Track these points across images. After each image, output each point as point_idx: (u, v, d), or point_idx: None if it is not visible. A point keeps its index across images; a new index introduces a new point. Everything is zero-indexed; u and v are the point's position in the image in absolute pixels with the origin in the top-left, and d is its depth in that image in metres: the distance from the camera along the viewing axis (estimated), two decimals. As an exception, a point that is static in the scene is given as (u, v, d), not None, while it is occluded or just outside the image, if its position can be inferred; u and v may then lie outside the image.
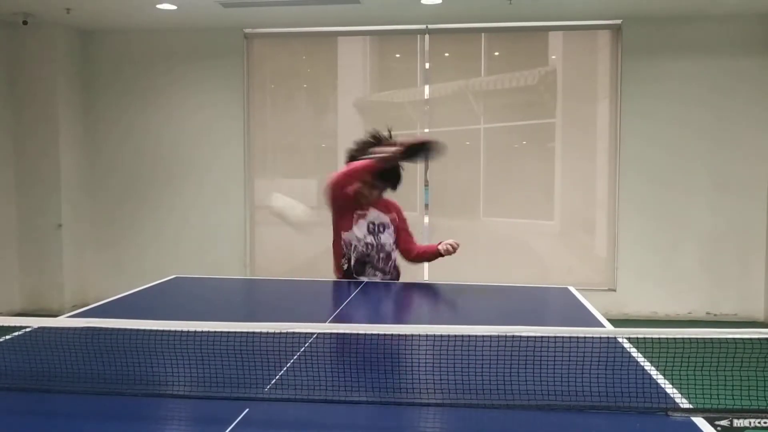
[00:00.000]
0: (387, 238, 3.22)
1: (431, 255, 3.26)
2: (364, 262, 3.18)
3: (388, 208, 3.28)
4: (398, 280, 3.32)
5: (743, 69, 5.98)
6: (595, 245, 6.53)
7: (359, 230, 3.16)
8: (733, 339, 1.60)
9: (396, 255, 3.29)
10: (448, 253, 3.16)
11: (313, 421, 1.48)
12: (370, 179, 3.09)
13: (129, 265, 6.67)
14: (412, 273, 6.43)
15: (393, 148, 2.95)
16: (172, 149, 6.63)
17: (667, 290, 6.16)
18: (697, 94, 6.04)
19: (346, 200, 3.15)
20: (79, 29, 6.49)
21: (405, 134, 3.19)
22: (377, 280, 3.20)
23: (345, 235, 3.19)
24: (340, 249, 3.23)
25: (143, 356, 1.78)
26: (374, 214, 3.20)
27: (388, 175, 3.13)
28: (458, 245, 3.17)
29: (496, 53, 6.57)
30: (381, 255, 3.20)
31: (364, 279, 3.19)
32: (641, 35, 6.06)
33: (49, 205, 6.31)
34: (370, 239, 3.17)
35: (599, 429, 1.44)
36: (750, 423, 1.44)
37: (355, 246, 3.16)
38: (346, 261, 3.19)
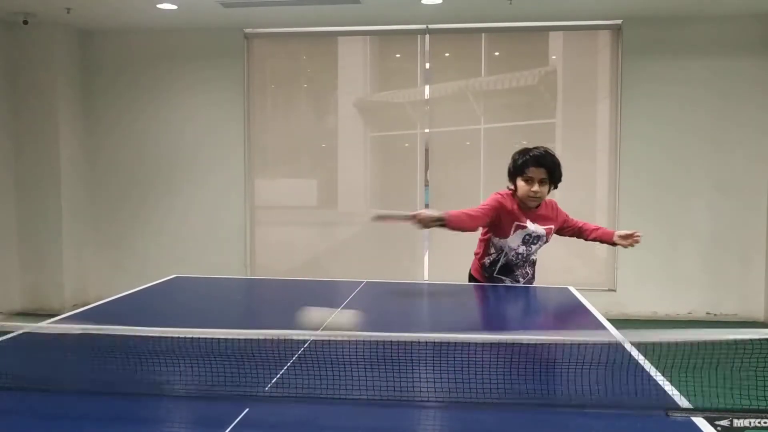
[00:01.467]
0: (537, 249, 3.24)
1: (607, 242, 3.32)
2: (510, 268, 3.22)
3: (548, 218, 3.22)
4: (532, 283, 3.33)
5: (744, 69, 5.98)
6: (595, 245, 6.51)
7: (514, 240, 3.15)
8: (734, 339, 1.60)
9: (537, 259, 3.32)
10: (630, 245, 3.22)
11: (313, 421, 1.48)
12: (545, 177, 3.09)
13: (129, 264, 6.67)
14: (412, 273, 6.49)
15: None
16: (172, 149, 6.63)
17: (667, 290, 6.16)
18: (697, 94, 6.04)
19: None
20: (80, 29, 6.49)
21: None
22: (516, 284, 3.24)
23: (497, 241, 3.19)
24: (487, 249, 3.24)
25: (143, 356, 1.78)
26: (533, 228, 3.16)
27: (557, 174, 3.14)
28: (640, 237, 3.21)
29: (497, 53, 6.57)
30: (527, 264, 3.25)
31: (504, 279, 3.24)
32: (642, 36, 6.05)
33: (49, 205, 6.31)
34: (522, 249, 3.18)
35: (599, 429, 1.44)
36: (750, 423, 1.44)
37: (506, 252, 3.19)
38: (490, 261, 3.23)
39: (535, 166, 3.06)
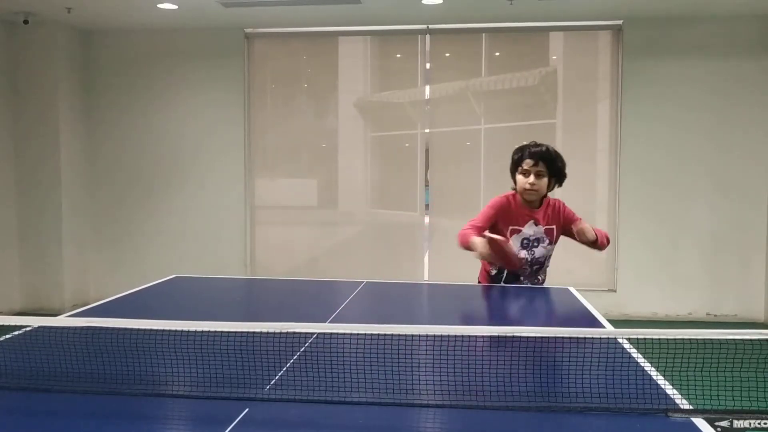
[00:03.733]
0: (541, 251, 3.17)
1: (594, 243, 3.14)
2: (517, 277, 3.17)
3: (549, 218, 3.15)
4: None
5: (744, 70, 5.98)
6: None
7: (513, 246, 3.07)
8: (733, 340, 1.60)
9: (549, 261, 3.25)
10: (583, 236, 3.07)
11: (313, 421, 1.47)
12: (543, 170, 3.04)
13: (129, 264, 6.67)
14: (412, 273, 6.48)
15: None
16: (172, 149, 6.64)
17: (667, 291, 6.16)
18: (697, 95, 6.04)
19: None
20: (80, 29, 6.49)
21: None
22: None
23: None
24: None
25: (143, 356, 1.78)
26: (530, 231, 3.11)
27: (556, 167, 3.07)
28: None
29: (497, 54, 6.57)
30: (534, 267, 3.18)
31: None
32: (642, 36, 6.05)
33: (50, 204, 6.31)
34: (523, 254, 3.12)
35: (599, 429, 1.44)
36: (750, 424, 1.43)
37: None
38: (496, 269, 3.17)
39: (530, 158, 3.06)
